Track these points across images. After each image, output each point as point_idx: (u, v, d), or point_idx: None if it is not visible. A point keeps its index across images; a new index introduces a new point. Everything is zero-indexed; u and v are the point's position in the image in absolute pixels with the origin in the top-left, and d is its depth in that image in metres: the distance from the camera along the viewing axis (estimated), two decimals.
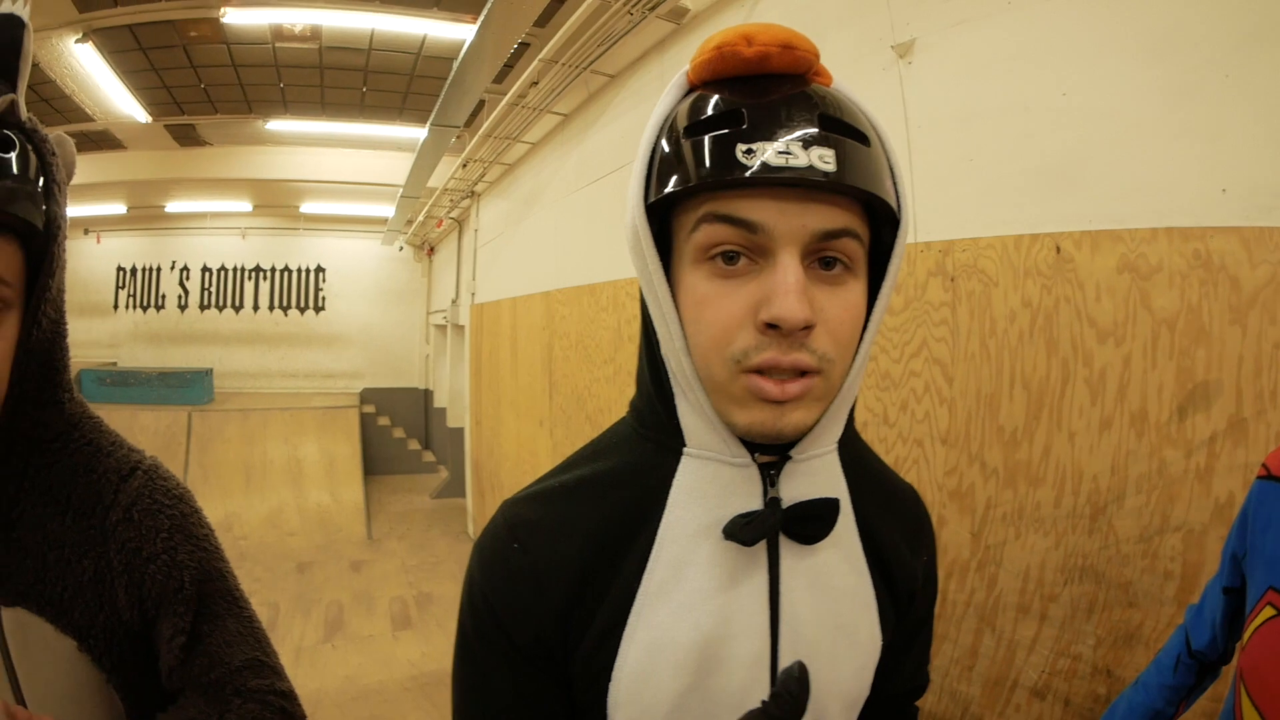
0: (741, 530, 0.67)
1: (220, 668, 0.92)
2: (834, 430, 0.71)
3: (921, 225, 1.90)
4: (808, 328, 0.60)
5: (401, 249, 11.97)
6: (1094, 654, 1.54)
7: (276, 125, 8.68)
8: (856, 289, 0.64)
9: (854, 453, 0.78)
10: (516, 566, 0.70)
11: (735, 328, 0.62)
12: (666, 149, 0.65)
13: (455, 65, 4.44)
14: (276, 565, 7.03)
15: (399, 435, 11.74)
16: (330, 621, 5.93)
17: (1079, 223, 1.55)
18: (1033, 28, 1.67)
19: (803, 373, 0.62)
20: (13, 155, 0.78)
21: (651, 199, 0.65)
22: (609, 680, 0.69)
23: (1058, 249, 1.56)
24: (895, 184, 0.66)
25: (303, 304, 12.30)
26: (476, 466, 7.46)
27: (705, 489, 0.70)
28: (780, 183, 0.60)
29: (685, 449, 0.71)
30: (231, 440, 9.22)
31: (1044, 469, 1.58)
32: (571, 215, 4.58)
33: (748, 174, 0.59)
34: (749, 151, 0.60)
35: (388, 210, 9.92)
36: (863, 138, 0.62)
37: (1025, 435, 1.62)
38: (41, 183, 0.83)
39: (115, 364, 11.32)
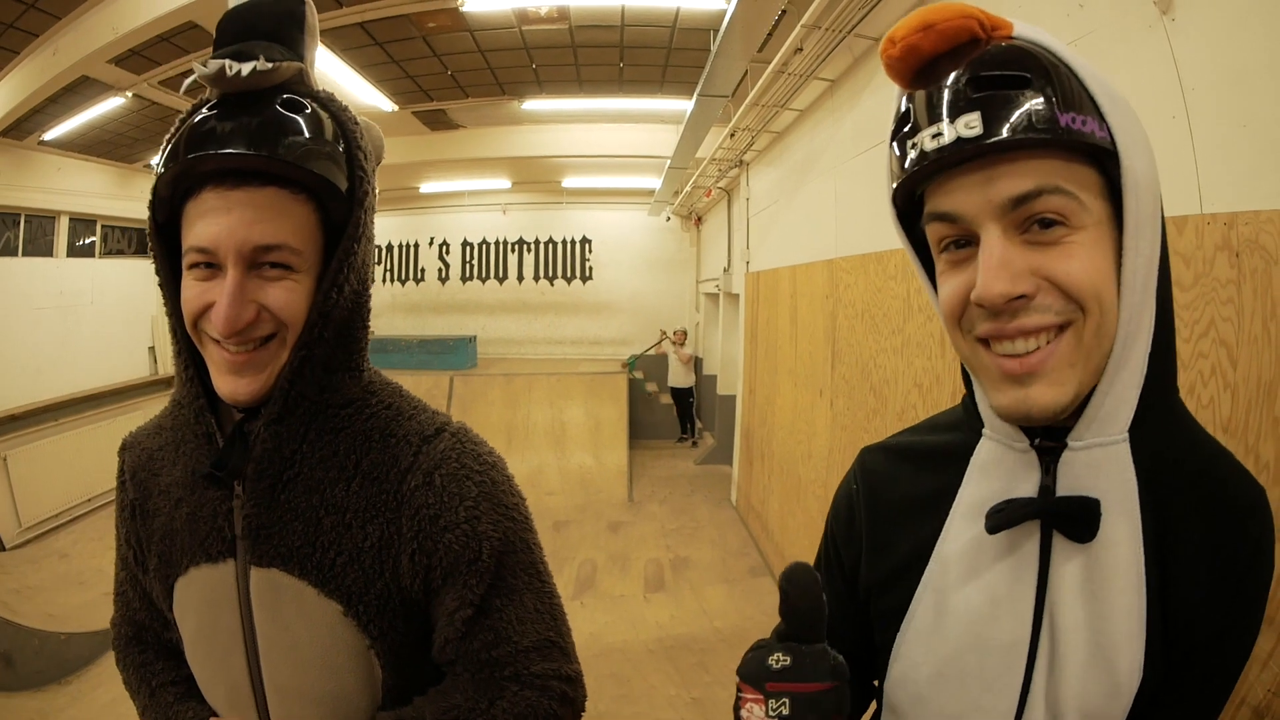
0: (993, 516, 0.71)
1: (505, 645, 0.90)
2: (1117, 413, 0.68)
3: (1206, 196, 1.84)
4: (1021, 297, 0.63)
5: (669, 219, 12.30)
6: None
7: (532, 105, 8.93)
8: (1085, 246, 0.64)
9: (1163, 446, 0.70)
10: (848, 502, 0.92)
11: (959, 306, 0.68)
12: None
13: (718, 37, 4.62)
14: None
15: (666, 401, 12.05)
16: (582, 579, 6.24)
17: None
18: None
19: (1047, 340, 0.64)
20: (302, 116, 0.81)
21: (895, 208, 0.76)
22: (898, 629, 0.82)
23: None
24: (1100, 112, 0.63)
25: (569, 274, 13.10)
26: (746, 434, 7.55)
27: (993, 470, 0.76)
28: (944, 165, 0.64)
29: (984, 430, 0.78)
30: (495, 403, 9.79)
31: None
32: (852, 182, 4.53)
33: (907, 168, 0.67)
34: (913, 145, 0.66)
35: (652, 182, 10.23)
36: (1018, 81, 0.62)
37: None
38: (343, 148, 0.85)
39: (373, 332, 12.57)
